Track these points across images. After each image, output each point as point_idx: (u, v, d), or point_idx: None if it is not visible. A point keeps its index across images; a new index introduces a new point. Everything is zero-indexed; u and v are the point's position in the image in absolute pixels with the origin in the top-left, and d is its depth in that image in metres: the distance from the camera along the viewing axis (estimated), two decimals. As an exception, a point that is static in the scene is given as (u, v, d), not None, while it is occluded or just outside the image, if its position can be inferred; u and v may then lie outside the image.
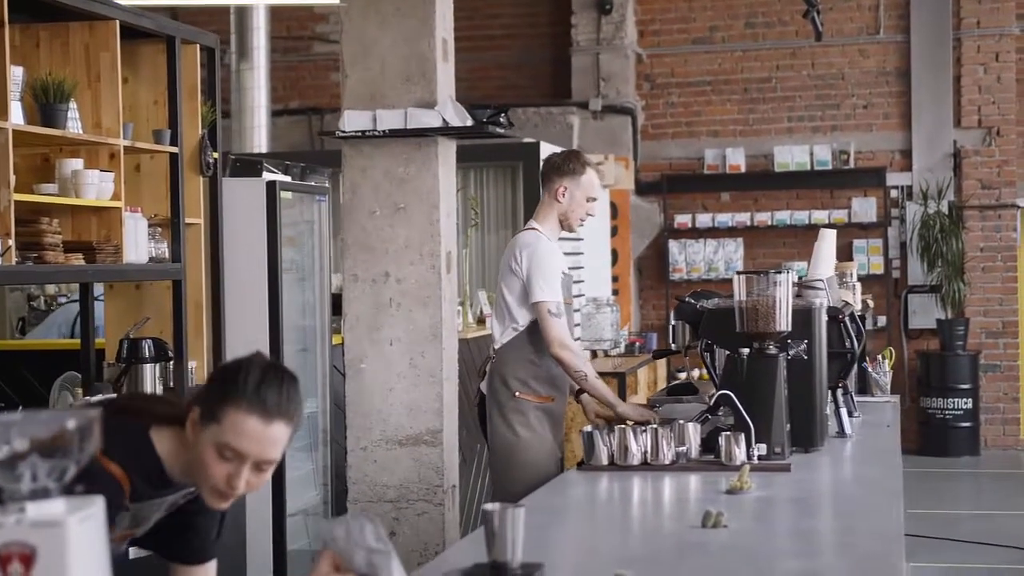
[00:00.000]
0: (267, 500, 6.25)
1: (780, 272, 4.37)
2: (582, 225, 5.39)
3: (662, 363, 11.14)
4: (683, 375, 10.22)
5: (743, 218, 12.79)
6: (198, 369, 5.86)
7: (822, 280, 5.15)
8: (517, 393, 5.16)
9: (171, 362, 5.63)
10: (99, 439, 1.76)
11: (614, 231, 12.32)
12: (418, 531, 5.54)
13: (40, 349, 6.96)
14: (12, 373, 6.47)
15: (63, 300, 8.51)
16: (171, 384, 5.64)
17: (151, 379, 5.45)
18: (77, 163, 5.10)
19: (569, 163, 5.28)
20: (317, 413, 6.90)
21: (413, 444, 5.59)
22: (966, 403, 12.21)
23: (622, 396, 8.98)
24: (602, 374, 9.06)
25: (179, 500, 2.80)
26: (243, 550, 5.96)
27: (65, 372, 5.91)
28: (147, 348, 5.47)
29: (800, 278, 5.30)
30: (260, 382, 2.56)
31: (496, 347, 5.27)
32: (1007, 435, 12.59)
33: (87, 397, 5.22)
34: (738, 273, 4.41)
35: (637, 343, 10.83)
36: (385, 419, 5.59)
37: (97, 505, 1.74)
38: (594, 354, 10.41)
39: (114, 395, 5.19)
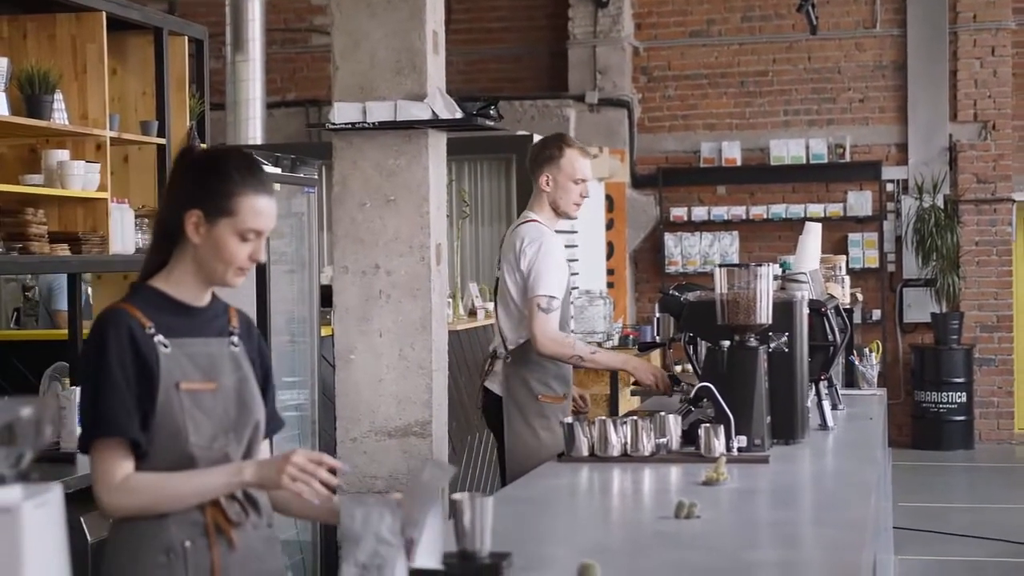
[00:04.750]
0: (254, 490, 6.25)
1: (761, 265, 4.38)
2: (578, 208, 5.29)
3: (657, 356, 11.15)
4: (679, 368, 10.23)
5: (739, 211, 12.81)
6: (185, 359, 5.87)
7: (805, 273, 5.17)
8: (540, 396, 5.10)
9: (159, 352, 5.63)
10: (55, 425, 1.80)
11: (610, 224, 12.34)
12: (407, 522, 5.56)
13: (32, 339, 6.98)
14: (4, 363, 6.50)
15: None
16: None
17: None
18: (63, 154, 5.11)
19: (546, 150, 5.22)
20: (306, 404, 6.91)
21: (402, 435, 5.59)
22: (960, 397, 12.23)
23: (614, 388, 8.96)
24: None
25: (227, 347, 2.94)
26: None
27: (55, 362, 5.93)
28: (134, 339, 5.47)
29: (784, 271, 5.32)
30: (249, 168, 2.87)
31: (510, 347, 5.17)
32: (1001, 429, 12.61)
33: (74, 387, 5.22)
34: (719, 266, 4.42)
35: (632, 336, 10.84)
36: (374, 410, 5.59)
37: (54, 492, 1.76)
38: (588, 347, 10.41)
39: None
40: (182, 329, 2.88)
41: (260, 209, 2.85)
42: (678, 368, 10.11)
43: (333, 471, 2.80)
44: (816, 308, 4.94)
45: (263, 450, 3.01)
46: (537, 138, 10.03)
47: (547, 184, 5.19)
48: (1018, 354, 12.80)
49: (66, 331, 5.95)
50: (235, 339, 2.96)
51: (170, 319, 2.86)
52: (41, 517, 1.73)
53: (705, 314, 4.47)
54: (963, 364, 12.30)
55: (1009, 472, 11.64)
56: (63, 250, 5.05)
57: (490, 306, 7.86)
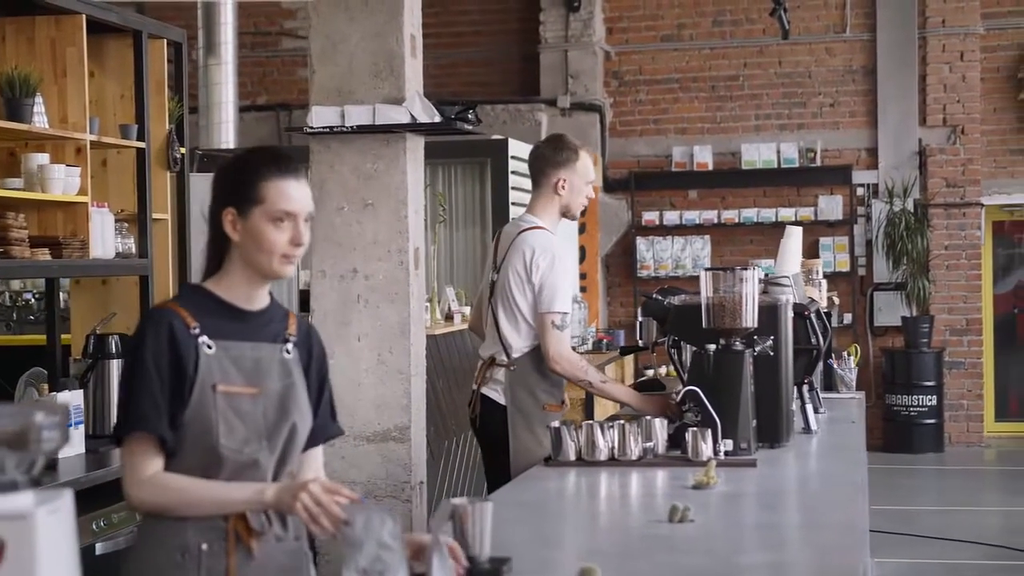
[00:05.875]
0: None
1: (747, 269, 4.39)
2: (584, 208, 5.23)
3: (630, 360, 11.18)
4: (650, 372, 10.26)
5: (710, 215, 12.84)
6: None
7: (788, 277, 5.18)
8: (546, 406, 5.02)
9: (138, 358, 5.59)
10: (66, 431, 1.79)
11: (582, 228, 12.35)
12: (386, 527, 5.53)
13: (6, 345, 6.92)
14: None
15: (28, 296, 8.46)
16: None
17: (118, 375, 5.42)
18: (43, 158, 5.07)
19: (562, 152, 5.08)
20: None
21: (381, 440, 5.59)
22: (930, 400, 12.30)
23: (588, 393, 8.93)
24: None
25: (279, 352, 2.95)
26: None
27: (31, 368, 5.88)
28: (114, 344, 5.43)
29: (767, 275, 5.33)
30: (271, 157, 2.92)
31: (514, 355, 5.02)
32: (971, 432, 12.69)
33: (53, 393, 5.19)
34: (705, 269, 4.43)
35: (605, 340, 10.87)
36: (353, 415, 5.58)
37: (65, 498, 1.75)
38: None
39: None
40: (230, 332, 2.89)
41: (287, 191, 2.87)
42: (650, 372, 10.17)
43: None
44: (800, 312, 4.96)
45: (311, 456, 3.03)
46: (512, 142, 10.05)
47: (562, 187, 5.07)
48: (987, 357, 12.89)
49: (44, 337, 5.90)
50: (289, 346, 2.97)
51: (219, 322, 2.88)
52: (54, 523, 1.71)
53: (690, 318, 4.48)
54: (933, 367, 12.38)
55: (979, 475, 11.72)
56: (43, 255, 5.01)
57: (467, 310, 7.83)
